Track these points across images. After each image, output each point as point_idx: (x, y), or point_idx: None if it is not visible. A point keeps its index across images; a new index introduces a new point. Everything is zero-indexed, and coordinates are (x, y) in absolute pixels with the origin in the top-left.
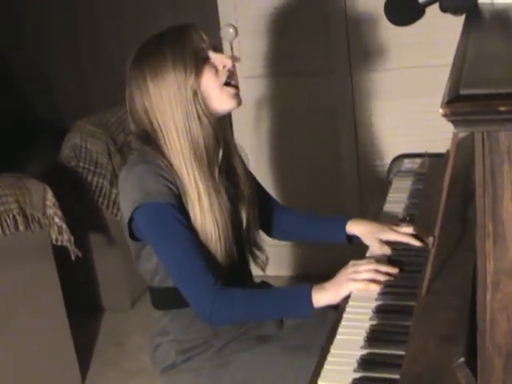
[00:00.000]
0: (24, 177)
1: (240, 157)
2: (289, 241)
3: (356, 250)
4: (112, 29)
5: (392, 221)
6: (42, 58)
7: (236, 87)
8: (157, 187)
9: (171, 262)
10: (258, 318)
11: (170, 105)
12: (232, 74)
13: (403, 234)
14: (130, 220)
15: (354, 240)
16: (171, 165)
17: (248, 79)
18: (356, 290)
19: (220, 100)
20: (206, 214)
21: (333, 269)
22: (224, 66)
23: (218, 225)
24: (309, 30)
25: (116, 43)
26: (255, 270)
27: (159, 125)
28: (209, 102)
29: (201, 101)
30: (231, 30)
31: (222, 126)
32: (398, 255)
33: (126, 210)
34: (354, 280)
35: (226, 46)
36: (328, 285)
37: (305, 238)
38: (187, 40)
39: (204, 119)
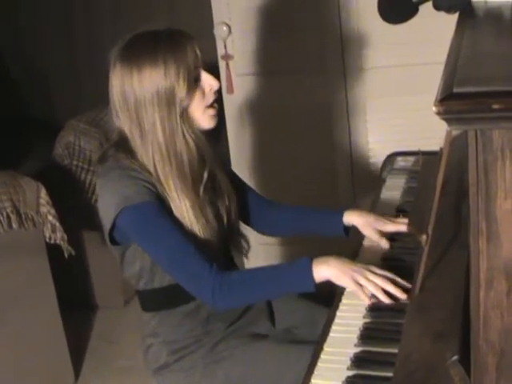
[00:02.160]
0: (18, 175)
1: (223, 168)
2: (285, 236)
3: (349, 250)
4: (107, 27)
5: (388, 213)
6: (38, 57)
7: (216, 108)
8: (134, 188)
9: (164, 258)
10: (260, 296)
11: (152, 108)
12: (216, 96)
13: (401, 224)
14: (112, 226)
15: (350, 232)
16: (147, 170)
17: (241, 77)
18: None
19: (200, 120)
20: (192, 225)
21: None
22: (211, 89)
23: (202, 234)
24: (302, 28)
25: (111, 42)
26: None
27: (142, 133)
28: (190, 121)
29: (185, 119)
30: (224, 27)
31: (204, 142)
32: (391, 253)
33: (106, 217)
34: (357, 282)
35: (219, 43)
36: (333, 262)
37: (301, 232)
38: (182, 53)
39: (188, 137)
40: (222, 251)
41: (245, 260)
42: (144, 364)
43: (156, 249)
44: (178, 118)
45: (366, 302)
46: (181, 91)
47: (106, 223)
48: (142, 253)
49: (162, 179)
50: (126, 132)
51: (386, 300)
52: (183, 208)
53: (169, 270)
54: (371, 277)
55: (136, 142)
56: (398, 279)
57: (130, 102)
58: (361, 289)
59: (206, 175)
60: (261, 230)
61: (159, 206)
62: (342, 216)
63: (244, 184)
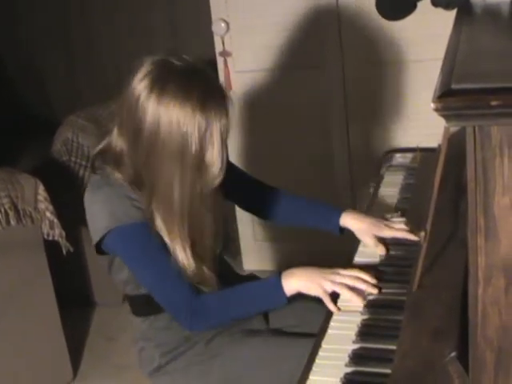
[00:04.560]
0: (16, 171)
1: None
2: (279, 223)
3: (343, 247)
4: (104, 24)
5: (383, 215)
6: (34, 53)
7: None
8: (123, 209)
9: (146, 280)
10: (235, 318)
11: (168, 157)
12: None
13: (398, 230)
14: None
15: (345, 232)
16: (136, 184)
17: (239, 73)
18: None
19: (211, 179)
20: (178, 253)
21: (317, 263)
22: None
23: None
24: (300, 23)
25: (108, 38)
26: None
27: (149, 172)
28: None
29: (198, 173)
30: (223, 24)
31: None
32: (389, 250)
33: (94, 233)
34: (333, 282)
35: (217, 40)
36: (300, 273)
37: (297, 224)
38: (216, 118)
39: (198, 191)
40: (214, 262)
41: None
42: (139, 367)
43: (139, 271)
44: (194, 167)
45: (332, 309)
46: (214, 162)
47: (94, 237)
48: None
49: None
50: (126, 154)
51: (364, 286)
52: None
53: (150, 292)
54: (338, 279)
55: (137, 181)
56: (365, 276)
57: (147, 134)
58: (327, 297)
59: (209, 220)
60: (266, 219)
61: (146, 226)
62: (339, 216)
63: (244, 174)
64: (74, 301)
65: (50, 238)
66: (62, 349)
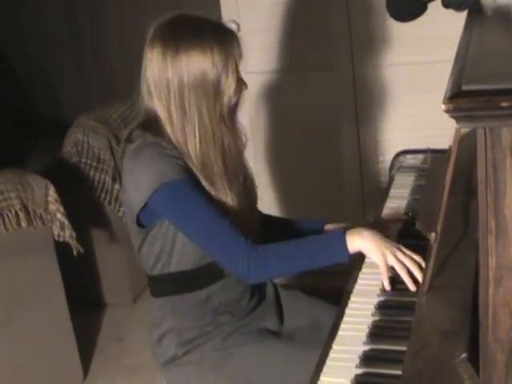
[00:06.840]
0: (26, 172)
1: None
2: None
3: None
4: (113, 24)
5: (394, 215)
6: (43, 54)
7: None
8: (169, 166)
9: (200, 232)
10: (295, 270)
11: (199, 94)
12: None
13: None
14: (142, 207)
15: None
16: (176, 147)
17: (250, 75)
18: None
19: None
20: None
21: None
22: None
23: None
24: (311, 25)
25: (117, 38)
26: None
27: (185, 115)
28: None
29: (227, 121)
30: (233, 25)
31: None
32: None
33: (138, 198)
34: (396, 258)
35: None
36: (366, 233)
37: None
38: (230, 50)
39: (223, 113)
40: (254, 224)
41: None
42: (153, 359)
43: (193, 224)
44: (225, 110)
45: (386, 285)
46: (229, 86)
47: (137, 204)
48: (164, 234)
49: (206, 160)
50: (160, 113)
51: (409, 285)
52: (224, 190)
53: (205, 245)
54: (400, 256)
55: (174, 125)
56: (424, 264)
57: (173, 85)
58: (387, 269)
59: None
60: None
61: (193, 182)
62: (323, 226)
63: None
64: (85, 302)
65: (61, 239)
66: (73, 349)
